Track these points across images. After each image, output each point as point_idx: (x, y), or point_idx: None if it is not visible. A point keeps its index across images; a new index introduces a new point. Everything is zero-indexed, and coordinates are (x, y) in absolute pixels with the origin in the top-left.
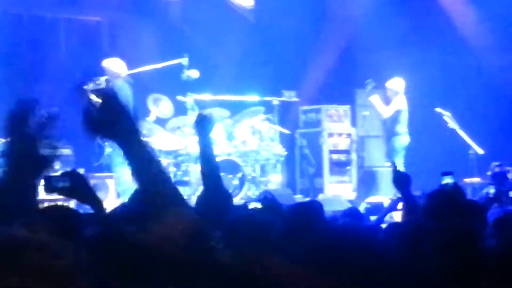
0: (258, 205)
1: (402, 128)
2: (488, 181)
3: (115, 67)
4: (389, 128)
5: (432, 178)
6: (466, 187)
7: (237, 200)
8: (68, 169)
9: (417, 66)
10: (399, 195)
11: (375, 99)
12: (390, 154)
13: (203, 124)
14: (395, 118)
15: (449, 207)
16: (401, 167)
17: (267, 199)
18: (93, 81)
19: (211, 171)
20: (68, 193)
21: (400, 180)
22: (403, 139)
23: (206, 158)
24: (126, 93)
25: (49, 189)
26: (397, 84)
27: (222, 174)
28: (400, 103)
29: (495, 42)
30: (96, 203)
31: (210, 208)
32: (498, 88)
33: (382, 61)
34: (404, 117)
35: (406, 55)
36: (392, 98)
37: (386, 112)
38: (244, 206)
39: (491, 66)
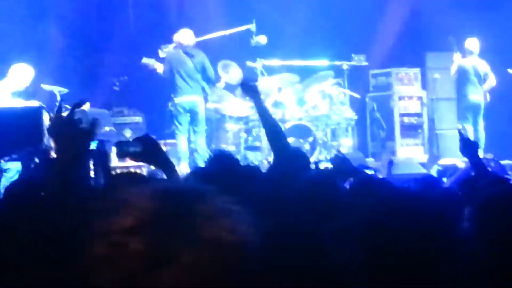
0: (329, 165)
1: (469, 88)
2: None
3: (178, 35)
4: (457, 89)
5: (504, 140)
6: None
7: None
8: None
9: (486, 28)
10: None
11: (456, 57)
12: (459, 114)
13: (250, 92)
14: (462, 78)
15: None
16: (469, 132)
17: (339, 158)
18: (161, 49)
19: (275, 132)
20: (140, 158)
21: (468, 148)
22: (470, 99)
23: (266, 121)
24: (179, 62)
25: (120, 154)
26: (470, 44)
27: (293, 139)
28: (468, 64)
29: None
30: (168, 167)
31: (282, 171)
32: None
33: (451, 23)
34: (473, 78)
35: (476, 16)
36: (465, 57)
37: (454, 70)
38: (316, 166)
39: None
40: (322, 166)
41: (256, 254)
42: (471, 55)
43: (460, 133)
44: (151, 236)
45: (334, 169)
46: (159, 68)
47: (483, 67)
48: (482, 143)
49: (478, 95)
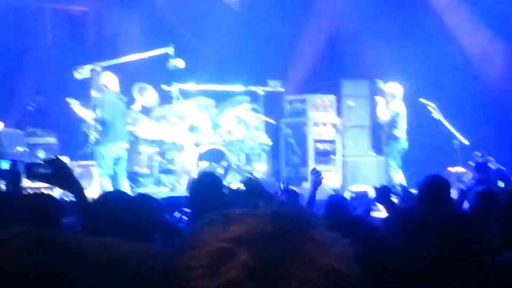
0: (241, 186)
1: (400, 132)
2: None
3: (107, 81)
4: (387, 132)
5: (418, 168)
6: (450, 176)
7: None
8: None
9: (401, 56)
10: (382, 185)
11: (379, 99)
12: (387, 156)
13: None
14: (392, 123)
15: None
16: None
17: (250, 180)
18: (77, 69)
19: None
20: (50, 180)
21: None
22: (400, 144)
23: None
24: (117, 107)
25: (30, 175)
26: (394, 88)
27: (207, 163)
28: (398, 107)
29: (480, 34)
30: (77, 190)
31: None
32: (482, 78)
33: (367, 51)
34: (402, 122)
35: (390, 46)
36: (389, 102)
37: (384, 115)
38: (227, 187)
39: (475, 57)
40: (233, 186)
41: (356, 285)
42: (394, 99)
43: (375, 188)
44: (262, 250)
45: (246, 190)
46: (84, 114)
47: (404, 109)
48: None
49: (404, 139)
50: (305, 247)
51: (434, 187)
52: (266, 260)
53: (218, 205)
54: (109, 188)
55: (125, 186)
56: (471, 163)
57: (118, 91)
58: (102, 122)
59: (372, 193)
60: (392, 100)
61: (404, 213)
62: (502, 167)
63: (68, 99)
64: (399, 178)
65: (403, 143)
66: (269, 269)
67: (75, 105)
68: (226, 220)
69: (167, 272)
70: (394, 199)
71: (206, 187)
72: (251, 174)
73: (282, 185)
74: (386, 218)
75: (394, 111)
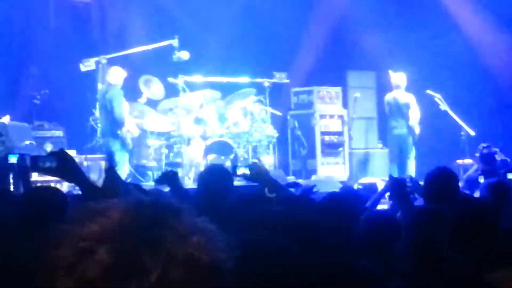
0: (247, 171)
1: (391, 122)
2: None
3: (114, 76)
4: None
5: (426, 160)
6: (458, 168)
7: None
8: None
9: (408, 47)
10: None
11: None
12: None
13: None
14: (394, 111)
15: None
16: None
17: (257, 165)
18: (82, 62)
19: None
20: (55, 173)
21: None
22: (392, 132)
23: None
24: (120, 101)
25: (36, 168)
26: (398, 78)
27: (214, 155)
28: (391, 96)
29: (485, 23)
30: (84, 183)
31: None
32: (489, 69)
33: (373, 43)
34: (403, 112)
35: (396, 37)
36: (392, 90)
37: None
38: (233, 170)
39: (481, 47)
40: (240, 171)
41: (228, 275)
42: (397, 89)
43: (390, 176)
44: (119, 246)
45: (252, 175)
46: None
47: (405, 99)
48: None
49: (399, 128)
50: (163, 238)
51: (441, 179)
52: (123, 255)
53: (226, 197)
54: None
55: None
56: (477, 154)
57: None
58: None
59: (380, 185)
60: (395, 90)
61: (422, 210)
62: (507, 158)
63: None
64: (410, 169)
65: (393, 132)
66: (126, 265)
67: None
68: (88, 214)
69: (32, 271)
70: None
71: (215, 179)
72: (259, 159)
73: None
74: (402, 216)
75: (395, 101)
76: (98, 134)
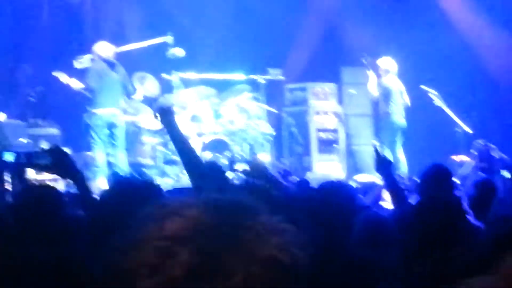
0: (245, 166)
1: (393, 108)
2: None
3: (98, 49)
4: (380, 107)
5: (420, 157)
6: (453, 164)
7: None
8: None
9: (402, 43)
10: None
11: (370, 75)
12: (379, 133)
13: (164, 116)
14: (385, 98)
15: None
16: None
17: (256, 161)
18: (77, 59)
19: (192, 162)
20: (50, 170)
21: (382, 166)
22: (393, 118)
23: (182, 150)
24: (105, 75)
25: (30, 165)
26: (387, 63)
27: (210, 153)
28: (391, 83)
29: (480, 19)
30: (79, 180)
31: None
32: (484, 64)
33: (367, 39)
34: (396, 97)
35: (391, 33)
36: (382, 76)
37: (374, 90)
38: (230, 166)
39: (476, 42)
40: (237, 167)
41: (306, 275)
42: (387, 74)
43: (376, 151)
44: (202, 247)
45: (251, 170)
46: (72, 83)
47: (401, 86)
48: (404, 167)
49: (397, 113)
50: (244, 238)
51: (436, 176)
52: (206, 256)
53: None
54: (103, 163)
55: (121, 160)
56: (473, 151)
57: (112, 61)
58: (90, 90)
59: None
60: (385, 75)
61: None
62: (505, 156)
63: (54, 73)
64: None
65: (396, 119)
66: (209, 265)
67: (62, 77)
68: (163, 214)
69: (111, 273)
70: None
71: (209, 177)
72: (256, 155)
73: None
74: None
75: (386, 86)
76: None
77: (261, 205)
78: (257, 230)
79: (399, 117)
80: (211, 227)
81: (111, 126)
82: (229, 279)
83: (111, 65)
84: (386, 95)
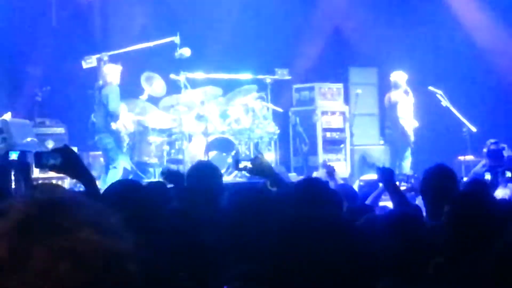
0: (249, 164)
1: (390, 122)
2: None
3: (109, 75)
4: (389, 119)
5: (427, 157)
6: (460, 164)
7: (230, 179)
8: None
9: (409, 44)
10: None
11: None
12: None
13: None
14: (392, 110)
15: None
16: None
17: (259, 159)
18: (84, 59)
19: None
20: (59, 170)
21: (384, 176)
22: (388, 131)
23: None
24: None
25: (39, 165)
26: (397, 77)
27: (215, 152)
28: (396, 97)
29: (487, 19)
30: (87, 179)
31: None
32: (490, 65)
33: (374, 39)
34: (402, 110)
35: (398, 33)
36: (392, 90)
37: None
38: (235, 163)
39: (483, 43)
40: (241, 165)
41: (126, 267)
42: (395, 89)
43: (377, 167)
44: (12, 242)
45: (253, 168)
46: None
47: (398, 98)
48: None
49: (392, 128)
50: (50, 233)
51: (438, 177)
52: (14, 250)
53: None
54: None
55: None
56: (485, 150)
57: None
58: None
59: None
60: (394, 89)
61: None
62: None
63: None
64: (405, 167)
65: (398, 132)
66: (16, 258)
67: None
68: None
69: None
70: (403, 187)
71: (203, 176)
72: (261, 153)
73: None
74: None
75: (394, 100)
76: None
77: (85, 199)
78: (64, 225)
79: (394, 131)
80: (24, 224)
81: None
82: (31, 270)
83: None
84: (392, 108)
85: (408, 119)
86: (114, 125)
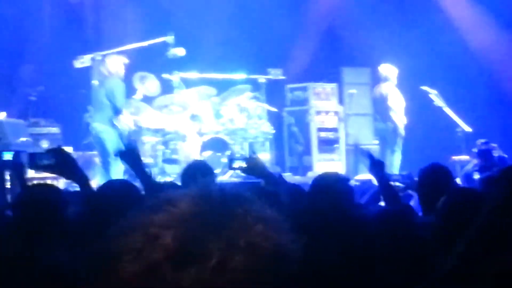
0: (243, 164)
1: (391, 112)
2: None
3: (113, 66)
4: (379, 113)
5: (421, 157)
6: (454, 164)
7: (225, 178)
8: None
9: (403, 44)
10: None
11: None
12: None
13: (126, 157)
14: (382, 103)
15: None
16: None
17: (253, 158)
18: (77, 59)
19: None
20: (53, 170)
21: (375, 167)
22: (379, 125)
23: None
24: (122, 91)
25: (33, 166)
26: (386, 70)
27: (210, 152)
28: (387, 89)
29: (480, 19)
30: (81, 180)
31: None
32: (484, 65)
33: (368, 39)
34: (393, 103)
35: (391, 33)
36: (381, 84)
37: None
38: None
39: (476, 43)
40: (236, 164)
41: (293, 263)
42: (384, 82)
43: (369, 153)
44: (183, 232)
45: (248, 168)
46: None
47: (388, 91)
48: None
49: (381, 121)
50: (227, 226)
51: (434, 175)
52: (186, 241)
53: None
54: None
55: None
56: (475, 150)
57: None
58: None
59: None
60: (384, 82)
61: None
62: (504, 155)
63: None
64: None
65: (390, 126)
66: (188, 249)
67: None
68: (159, 203)
69: (98, 258)
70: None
71: (197, 175)
72: (255, 153)
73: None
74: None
75: (384, 93)
76: (91, 126)
77: (252, 195)
78: (242, 218)
79: (385, 124)
80: (198, 214)
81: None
82: (205, 263)
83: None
84: (383, 101)
85: (399, 113)
86: (119, 121)
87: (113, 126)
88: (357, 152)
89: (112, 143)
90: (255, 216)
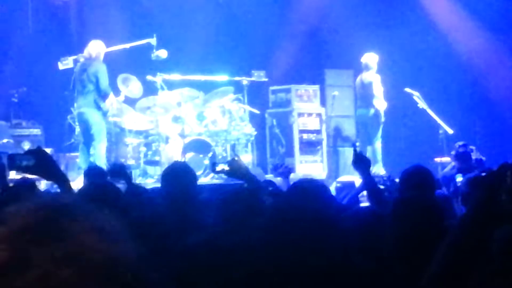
0: (226, 167)
1: (361, 101)
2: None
3: (95, 49)
4: (362, 102)
5: (403, 158)
6: (437, 166)
7: (207, 180)
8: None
9: (385, 46)
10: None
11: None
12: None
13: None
14: (366, 90)
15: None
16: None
17: (235, 161)
18: (61, 60)
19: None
20: (33, 171)
21: (360, 163)
22: (360, 111)
23: None
24: (105, 73)
25: (13, 167)
26: (368, 58)
27: (192, 154)
28: (369, 77)
29: (463, 21)
30: (61, 181)
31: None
32: (467, 67)
33: (351, 41)
34: (377, 90)
35: (374, 36)
36: (363, 72)
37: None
38: (212, 167)
39: (459, 45)
40: (219, 167)
41: (126, 275)
42: (366, 71)
43: (354, 149)
44: (13, 246)
45: (230, 171)
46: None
47: (370, 78)
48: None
49: (363, 107)
50: (52, 238)
51: (417, 177)
52: (14, 253)
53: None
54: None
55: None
56: (453, 152)
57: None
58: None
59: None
60: (366, 71)
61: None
62: (482, 157)
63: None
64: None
65: (372, 111)
66: (15, 261)
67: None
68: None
69: None
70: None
71: (178, 177)
72: (237, 156)
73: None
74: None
75: (367, 81)
76: (74, 107)
77: (90, 205)
78: (67, 230)
79: (367, 110)
80: (26, 228)
81: (84, 124)
82: (29, 274)
83: (84, 64)
84: (367, 88)
85: (381, 99)
86: (104, 104)
87: (98, 108)
88: (338, 137)
89: (97, 125)
90: (87, 227)
